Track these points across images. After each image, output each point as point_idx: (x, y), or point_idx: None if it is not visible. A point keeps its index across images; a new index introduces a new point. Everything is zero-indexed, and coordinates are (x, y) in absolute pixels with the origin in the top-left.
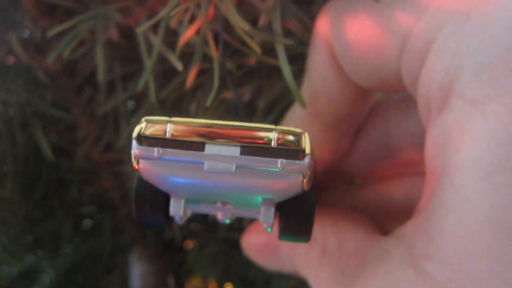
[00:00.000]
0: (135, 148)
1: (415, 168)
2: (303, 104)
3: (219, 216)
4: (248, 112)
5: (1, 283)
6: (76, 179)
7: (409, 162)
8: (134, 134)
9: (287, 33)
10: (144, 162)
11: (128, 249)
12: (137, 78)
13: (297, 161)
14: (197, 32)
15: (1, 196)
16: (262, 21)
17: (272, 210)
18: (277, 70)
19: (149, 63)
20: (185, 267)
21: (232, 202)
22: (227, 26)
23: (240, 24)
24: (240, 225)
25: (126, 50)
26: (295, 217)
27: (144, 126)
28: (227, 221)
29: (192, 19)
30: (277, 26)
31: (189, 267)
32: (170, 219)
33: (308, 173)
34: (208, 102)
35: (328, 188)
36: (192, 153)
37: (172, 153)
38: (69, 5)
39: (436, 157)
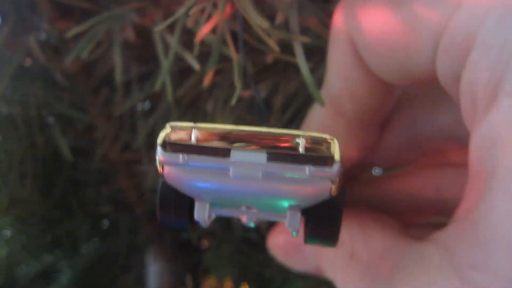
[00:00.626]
0: (160, 154)
1: (445, 159)
2: (321, 102)
3: (244, 219)
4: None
5: (19, 282)
6: (93, 179)
7: (438, 153)
8: (159, 140)
9: (304, 30)
10: (169, 167)
11: (145, 249)
12: (153, 78)
13: (326, 168)
14: (214, 31)
15: (21, 196)
16: (279, 19)
17: (299, 215)
18: (293, 66)
19: (165, 63)
20: (202, 267)
21: (258, 206)
22: (244, 25)
23: (258, 21)
24: (256, 225)
25: (142, 51)
26: (322, 223)
27: (169, 132)
28: (252, 225)
29: (209, 18)
30: (294, 23)
31: (205, 266)
32: (194, 223)
33: (337, 179)
34: (233, 101)
35: (352, 179)
36: (218, 160)
37: (198, 160)
38: (86, 7)
39: (483, 159)
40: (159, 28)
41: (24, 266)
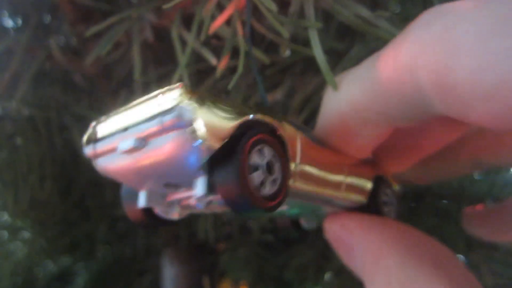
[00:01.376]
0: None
1: None
2: (335, 86)
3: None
4: (282, 110)
5: (37, 283)
6: (111, 181)
7: None
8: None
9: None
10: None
11: (161, 252)
12: (171, 78)
13: (170, 115)
14: (228, 23)
15: (40, 198)
16: (293, 6)
17: (202, 179)
18: (310, 68)
19: (183, 58)
20: (218, 270)
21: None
22: (258, 16)
23: (266, 3)
24: (273, 227)
25: (160, 52)
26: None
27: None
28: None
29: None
30: (309, 9)
31: (222, 269)
32: (161, 219)
33: (197, 124)
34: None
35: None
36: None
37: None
38: (105, 8)
39: None
40: (176, 24)
41: (42, 268)
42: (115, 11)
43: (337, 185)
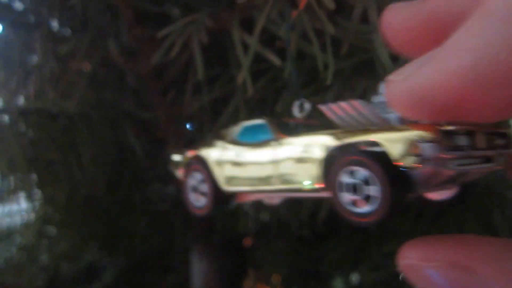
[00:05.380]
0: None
1: None
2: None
3: None
4: None
5: (65, 277)
6: (157, 178)
7: None
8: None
9: None
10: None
11: (190, 248)
12: (222, 80)
13: None
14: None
15: (93, 194)
16: (356, 10)
17: None
18: (358, 73)
19: (245, 61)
20: (250, 265)
21: None
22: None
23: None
24: (312, 222)
25: (211, 55)
26: None
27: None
28: None
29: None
30: (373, 13)
31: (254, 264)
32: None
33: None
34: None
35: None
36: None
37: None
38: (162, 12)
39: None
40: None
41: (67, 264)
42: (170, 14)
43: None
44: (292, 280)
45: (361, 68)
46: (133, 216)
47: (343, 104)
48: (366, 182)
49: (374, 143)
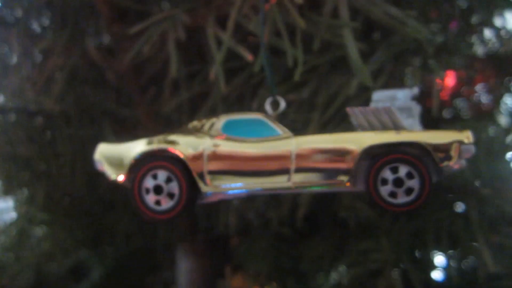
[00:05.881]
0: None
1: None
2: (368, 80)
3: None
4: (308, 108)
5: (52, 277)
6: None
7: None
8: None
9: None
10: None
11: (176, 246)
12: (200, 76)
13: None
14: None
15: (71, 191)
16: (327, 6)
17: None
18: (335, 69)
19: (218, 55)
20: (233, 263)
21: None
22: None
23: None
24: (292, 220)
25: (189, 52)
26: None
27: None
28: None
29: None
30: (344, 9)
31: (237, 263)
32: None
33: None
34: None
35: None
36: None
37: None
38: (139, 9)
39: None
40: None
41: (58, 262)
42: (149, 11)
43: None
44: (273, 277)
45: (337, 64)
46: (115, 214)
47: (376, 108)
48: (409, 176)
49: (418, 144)
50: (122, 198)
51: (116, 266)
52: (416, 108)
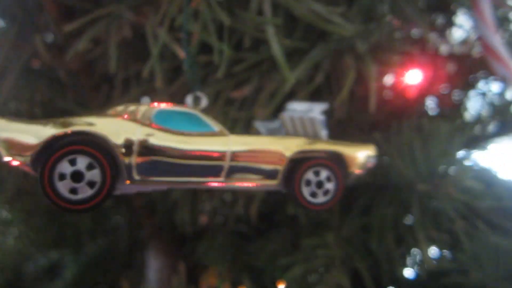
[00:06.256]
0: None
1: None
2: (289, 76)
3: None
4: (250, 104)
5: (26, 277)
6: None
7: None
8: None
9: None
10: None
11: (145, 245)
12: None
13: None
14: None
15: (25, 188)
16: (253, 3)
17: None
18: (277, 66)
19: (154, 49)
20: (196, 259)
21: None
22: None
23: None
24: (247, 218)
25: (139, 50)
26: None
27: None
28: None
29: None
30: (267, 5)
31: (201, 259)
32: None
33: None
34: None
35: None
36: None
37: None
38: (87, 7)
39: None
40: (151, 21)
41: (32, 262)
42: (96, 9)
43: None
44: (232, 273)
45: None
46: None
47: (303, 117)
48: (328, 179)
49: (336, 153)
50: None
51: (90, 266)
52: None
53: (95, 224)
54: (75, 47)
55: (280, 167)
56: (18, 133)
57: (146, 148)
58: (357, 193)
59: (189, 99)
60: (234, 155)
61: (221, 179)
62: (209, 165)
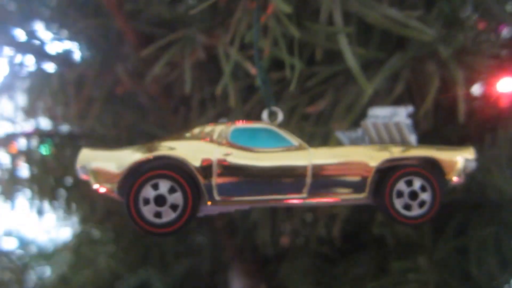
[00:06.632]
0: None
1: None
2: (367, 86)
3: None
4: (326, 119)
5: None
6: None
7: None
8: None
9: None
10: None
11: (228, 266)
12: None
13: None
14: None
15: (115, 209)
16: (323, 13)
17: None
18: (352, 78)
19: (226, 68)
20: (278, 282)
21: None
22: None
23: (280, 6)
24: (330, 239)
25: (214, 72)
26: None
27: None
28: None
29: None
30: (337, 15)
31: (283, 282)
32: None
33: None
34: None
35: None
36: None
37: None
38: (164, 33)
39: None
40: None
41: (123, 280)
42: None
43: None
44: None
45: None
46: None
47: (386, 123)
48: (422, 189)
49: (430, 159)
50: None
51: (175, 286)
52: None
53: (179, 245)
54: (152, 72)
55: (367, 179)
56: (105, 162)
57: (225, 168)
58: (450, 212)
59: (264, 114)
60: (316, 169)
61: (303, 195)
62: (290, 181)
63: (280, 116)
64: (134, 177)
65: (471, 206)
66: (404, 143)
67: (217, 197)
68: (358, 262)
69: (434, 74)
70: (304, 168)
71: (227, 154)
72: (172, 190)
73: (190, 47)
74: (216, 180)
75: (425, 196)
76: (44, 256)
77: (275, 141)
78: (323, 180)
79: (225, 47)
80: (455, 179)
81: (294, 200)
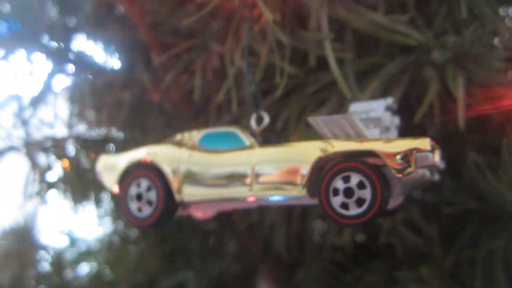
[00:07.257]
0: None
1: None
2: (347, 93)
3: None
4: None
5: None
6: None
7: None
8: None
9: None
10: None
11: (256, 270)
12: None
13: None
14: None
15: None
16: (312, 21)
17: None
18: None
19: (230, 71)
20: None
21: None
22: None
23: (267, 15)
24: (343, 245)
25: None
26: None
27: None
28: None
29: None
30: (323, 21)
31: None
32: None
33: None
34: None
35: None
36: None
37: None
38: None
39: None
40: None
41: (163, 279)
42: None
43: None
44: None
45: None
46: (185, 234)
47: (336, 117)
48: (360, 186)
49: (371, 152)
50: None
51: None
52: (389, 119)
53: (205, 247)
54: (167, 79)
55: (304, 176)
56: (109, 165)
57: (187, 169)
58: (464, 222)
59: (252, 119)
60: (257, 167)
61: (248, 193)
62: (238, 177)
63: (266, 120)
64: (126, 177)
65: (487, 217)
66: (359, 137)
67: (180, 196)
68: (371, 270)
69: (432, 78)
70: (248, 165)
71: (190, 156)
72: (149, 188)
73: (203, 54)
74: (181, 180)
75: (363, 193)
76: (87, 253)
77: (234, 142)
78: (266, 177)
79: (231, 53)
80: (408, 173)
81: (243, 194)
